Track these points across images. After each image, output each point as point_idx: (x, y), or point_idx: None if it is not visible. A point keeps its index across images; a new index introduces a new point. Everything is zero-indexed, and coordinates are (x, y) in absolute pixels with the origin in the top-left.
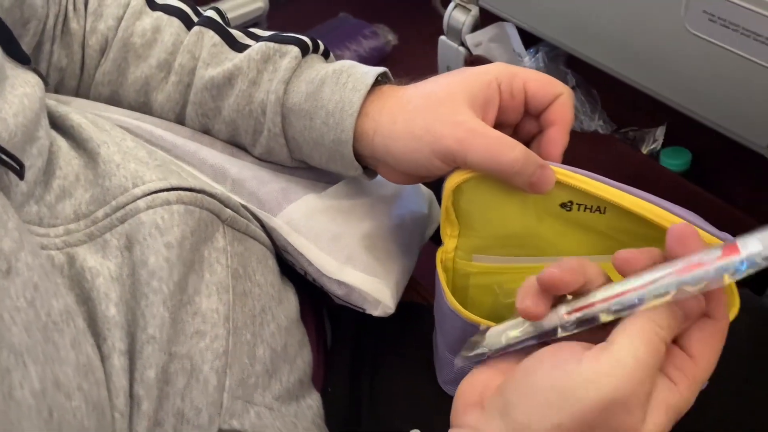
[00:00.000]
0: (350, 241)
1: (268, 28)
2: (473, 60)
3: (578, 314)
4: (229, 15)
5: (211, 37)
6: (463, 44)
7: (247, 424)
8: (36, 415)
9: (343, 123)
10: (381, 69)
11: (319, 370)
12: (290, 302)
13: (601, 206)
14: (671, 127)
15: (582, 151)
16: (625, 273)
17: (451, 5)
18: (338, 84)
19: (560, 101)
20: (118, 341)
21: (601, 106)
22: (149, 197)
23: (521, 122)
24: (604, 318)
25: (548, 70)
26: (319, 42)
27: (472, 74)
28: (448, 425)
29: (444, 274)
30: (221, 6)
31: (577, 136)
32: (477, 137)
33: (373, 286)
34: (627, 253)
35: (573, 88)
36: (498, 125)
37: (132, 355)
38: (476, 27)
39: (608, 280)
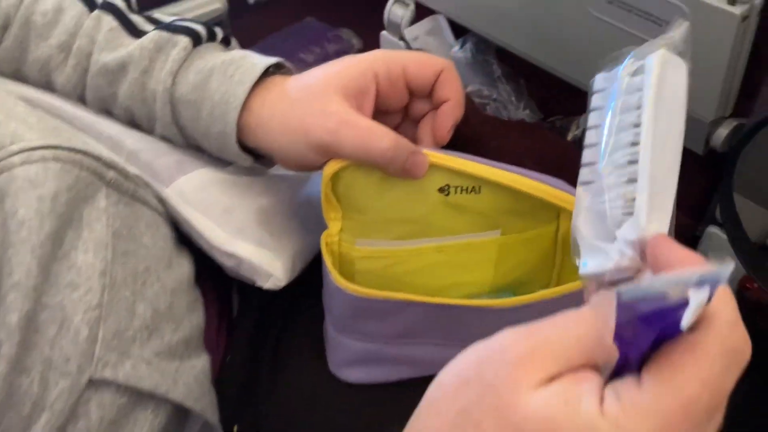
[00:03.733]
0: (243, 214)
1: (233, 32)
2: None
3: None
4: (187, 16)
5: (109, 22)
6: (402, 38)
7: (120, 374)
8: None
9: (227, 116)
10: (274, 59)
11: (220, 336)
12: (182, 267)
13: (476, 186)
14: None
15: (511, 140)
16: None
17: (391, 1)
18: (225, 75)
19: (443, 77)
20: None
21: (528, 96)
22: (25, 154)
23: (412, 104)
24: None
25: (476, 61)
26: (217, 30)
27: (347, 64)
28: (347, 405)
29: (329, 256)
30: (177, 7)
31: (505, 125)
32: (348, 128)
33: (263, 258)
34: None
35: (498, 77)
36: (383, 112)
37: None
38: (414, 21)
39: None
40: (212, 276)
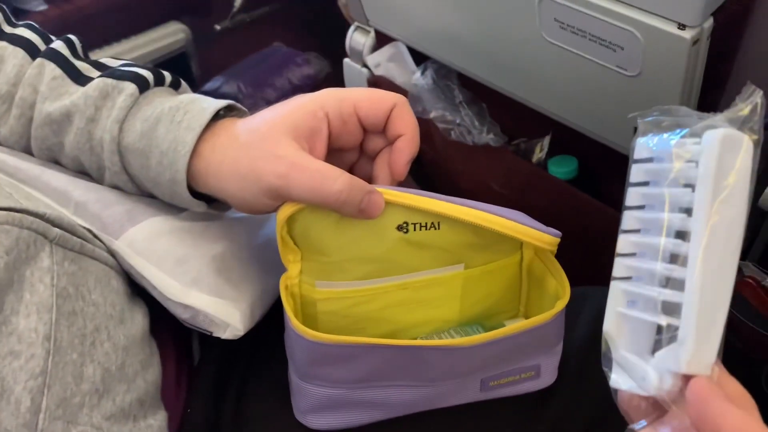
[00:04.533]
0: (198, 263)
1: (201, 59)
2: (375, 81)
3: None
4: (152, 47)
5: (52, 70)
6: (365, 65)
7: None
8: None
9: (176, 163)
10: (224, 102)
11: (180, 389)
12: (135, 322)
13: (435, 222)
14: (560, 137)
15: (476, 164)
16: None
17: (352, 28)
18: (173, 122)
19: (396, 113)
20: None
21: (492, 120)
22: None
23: (367, 141)
24: None
25: (438, 87)
26: (165, 73)
27: (296, 105)
28: None
29: (290, 300)
30: (140, 39)
31: (470, 150)
32: (298, 172)
33: (219, 308)
34: None
35: (460, 103)
36: (339, 150)
37: None
38: (375, 48)
39: None
40: (170, 325)
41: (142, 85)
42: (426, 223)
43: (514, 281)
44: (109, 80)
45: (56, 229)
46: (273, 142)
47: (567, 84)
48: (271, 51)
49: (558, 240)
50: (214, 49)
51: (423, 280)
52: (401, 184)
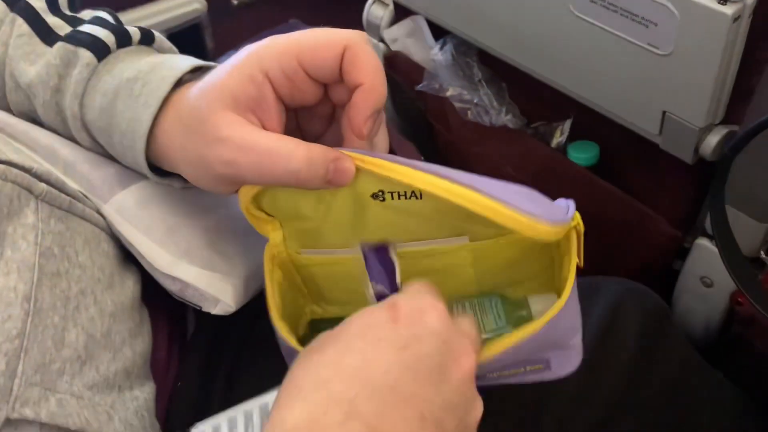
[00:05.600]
0: (189, 234)
1: (216, 34)
2: (392, 56)
3: None
4: (165, 16)
5: (19, 26)
6: (382, 40)
7: (43, 413)
8: None
9: (135, 146)
10: (186, 66)
11: (171, 362)
12: (125, 288)
13: (416, 192)
14: (581, 121)
15: (491, 146)
16: None
17: (370, 1)
18: (131, 96)
19: (348, 58)
20: None
21: (511, 101)
22: None
23: (331, 91)
24: None
25: (457, 63)
26: (131, 29)
27: (231, 69)
28: None
29: (273, 269)
30: (155, 7)
31: (486, 131)
32: (245, 154)
33: (211, 282)
34: None
35: (479, 81)
36: (304, 108)
37: None
38: (393, 22)
39: None
40: (163, 295)
41: (101, 51)
42: (405, 192)
43: (542, 250)
44: (69, 45)
45: (43, 185)
46: (213, 122)
47: (593, 63)
48: (287, 27)
49: (562, 230)
50: (229, 24)
51: (422, 250)
52: (402, 153)
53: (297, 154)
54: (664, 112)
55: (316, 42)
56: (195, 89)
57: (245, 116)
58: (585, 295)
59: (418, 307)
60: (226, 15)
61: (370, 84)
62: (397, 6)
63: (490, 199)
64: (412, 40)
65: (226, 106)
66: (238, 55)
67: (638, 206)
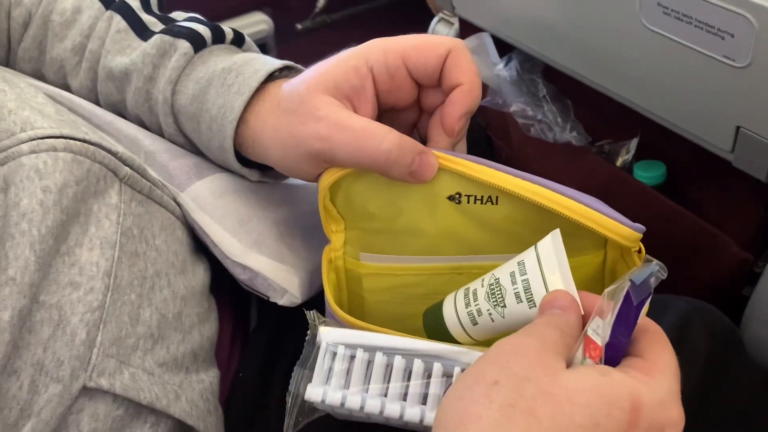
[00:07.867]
0: (261, 226)
1: (279, 55)
2: None
3: None
4: None
5: (117, 22)
6: None
7: (117, 384)
8: None
9: (224, 131)
10: (279, 63)
11: (234, 353)
12: (196, 274)
13: (492, 196)
14: (648, 140)
15: (554, 163)
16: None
17: (435, 19)
18: (224, 85)
19: (451, 60)
20: None
21: (576, 118)
22: (34, 142)
23: (423, 96)
24: None
25: (521, 79)
26: (226, 29)
27: (337, 61)
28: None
29: (331, 276)
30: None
31: (549, 148)
32: (341, 131)
33: (279, 273)
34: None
35: (543, 97)
36: (391, 110)
37: None
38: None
39: None
40: (230, 288)
41: (198, 43)
42: (482, 197)
43: (595, 285)
44: (167, 37)
45: (127, 168)
46: (312, 103)
47: (663, 77)
48: None
49: (640, 236)
50: (293, 47)
51: (482, 266)
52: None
53: (390, 137)
54: (738, 128)
55: (423, 43)
56: (295, 79)
57: (342, 102)
58: (652, 312)
59: (660, 425)
60: (290, 38)
61: (469, 84)
62: (462, 23)
63: (575, 201)
64: (477, 58)
65: (327, 90)
66: (345, 51)
67: (706, 227)
